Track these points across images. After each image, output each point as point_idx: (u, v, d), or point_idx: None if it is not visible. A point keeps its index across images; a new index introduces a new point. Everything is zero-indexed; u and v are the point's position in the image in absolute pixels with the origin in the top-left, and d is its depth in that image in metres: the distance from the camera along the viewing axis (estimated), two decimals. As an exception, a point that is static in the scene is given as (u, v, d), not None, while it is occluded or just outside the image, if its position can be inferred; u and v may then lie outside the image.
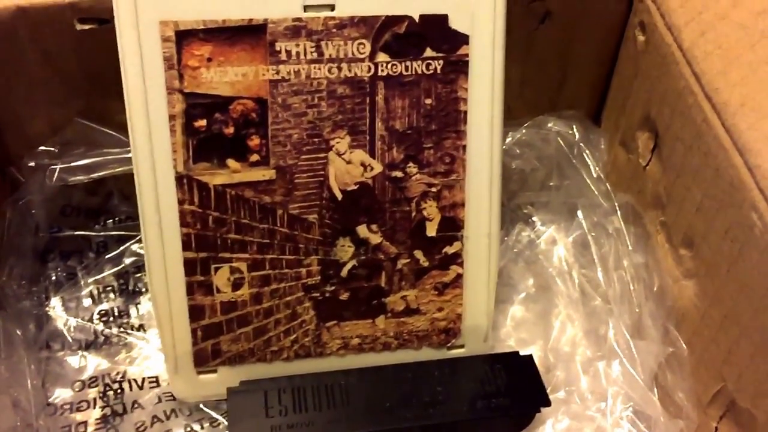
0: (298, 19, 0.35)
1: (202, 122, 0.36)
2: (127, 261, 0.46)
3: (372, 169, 0.38)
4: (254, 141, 0.36)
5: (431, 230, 0.39)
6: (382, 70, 0.37)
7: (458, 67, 0.37)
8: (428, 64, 0.37)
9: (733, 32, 0.36)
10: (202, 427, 0.41)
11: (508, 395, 0.38)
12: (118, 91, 0.35)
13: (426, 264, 0.40)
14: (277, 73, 0.36)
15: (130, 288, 0.46)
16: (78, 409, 0.41)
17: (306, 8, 0.35)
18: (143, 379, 0.42)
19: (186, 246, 0.37)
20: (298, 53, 0.36)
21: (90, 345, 0.44)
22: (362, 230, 0.39)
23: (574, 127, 0.47)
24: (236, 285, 0.38)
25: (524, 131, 0.47)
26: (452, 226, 0.39)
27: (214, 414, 0.41)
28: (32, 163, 0.42)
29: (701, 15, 0.37)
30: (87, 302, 0.45)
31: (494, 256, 0.40)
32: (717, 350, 0.36)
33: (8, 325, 0.40)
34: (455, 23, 0.36)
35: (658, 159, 0.41)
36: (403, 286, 0.40)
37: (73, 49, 0.39)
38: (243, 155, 0.36)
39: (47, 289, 0.45)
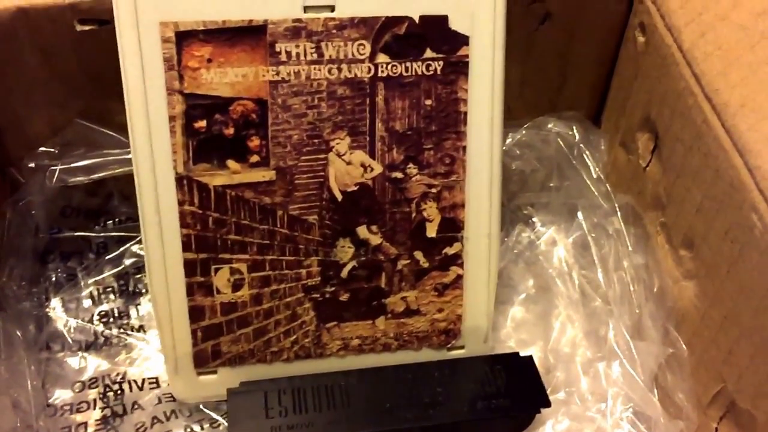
0: (298, 20, 0.35)
1: (202, 123, 0.36)
2: (127, 262, 0.46)
3: (372, 170, 0.38)
4: (254, 142, 0.36)
5: (431, 231, 0.39)
6: (382, 71, 0.37)
7: (458, 68, 0.37)
8: (428, 65, 0.37)
9: (733, 33, 0.36)
10: (202, 428, 0.41)
11: (508, 396, 0.38)
12: (118, 92, 0.35)
13: (426, 265, 0.40)
14: (277, 74, 0.36)
15: (130, 289, 0.46)
16: (78, 410, 0.41)
17: (306, 9, 0.35)
18: (143, 380, 0.42)
19: (186, 247, 0.37)
20: (298, 54, 0.36)
21: (90, 346, 0.44)
22: (362, 231, 0.39)
23: (574, 128, 0.47)
24: (236, 286, 0.38)
25: (524, 132, 0.47)
26: (452, 227, 0.39)
27: (214, 415, 0.41)
28: (32, 164, 0.42)
29: (701, 16, 0.37)
30: (87, 303, 0.45)
31: (494, 257, 0.40)
32: (717, 351, 0.36)
33: (8, 326, 0.40)
34: (455, 24, 0.36)
35: (658, 160, 0.41)
36: (403, 287, 0.40)
37: (74, 49, 0.39)
38: (243, 156, 0.37)
39: (47, 290, 0.45)
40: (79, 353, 0.43)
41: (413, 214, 0.39)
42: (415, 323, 0.41)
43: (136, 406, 0.41)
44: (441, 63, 0.37)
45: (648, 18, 0.40)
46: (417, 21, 0.36)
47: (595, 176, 0.46)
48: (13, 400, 0.38)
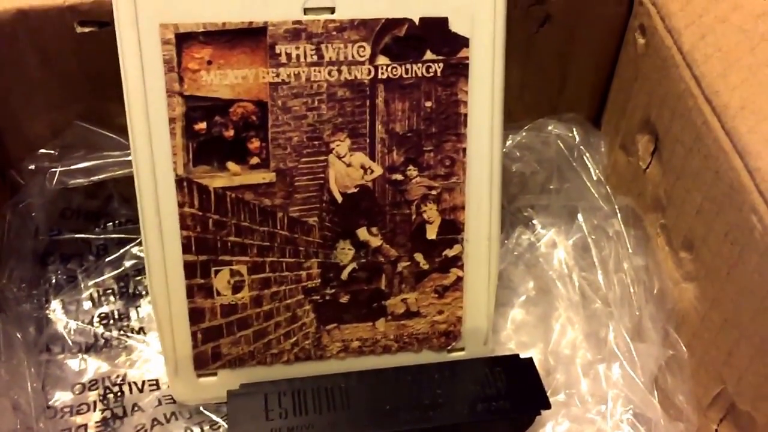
0: (298, 22, 0.35)
1: (202, 125, 0.36)
2: (127, 264, 0.46)
3: (372, 171, 0.38)
4: (254, 144, 0.36)
5: (431, 233, 0.39)
6: (382, 73, 0.37)
7: (458, 70, 0.37)
8: (428, 67, 0.37)
9: (733, 35, 0.36)
10: (202, 430, 0.41)
11: (509, 398, 0.38)
12: (118, 93, 0.35)
13: (426, 267, 0.40)
14: (277, 75, 0.36)
15: (130, 291, 0.46)
16: (78, 412, 0.41)
17: (306, 11, 0.35)
18: (143, 382, 0.42)
19: (186, 249, 0.37)
20: (298, 56, 0.36)
21: (90, 348, 0.44)
22: (362, 233, 0.39)
23: (575, 130, 0.47)
24: (236, 288, 0.38)
25: (524, 134, 0.47)
26: (452, 229, 0.39)
27: (214, 417, 0.41)
28: (32, 166, 0.42)
29: (701, 18, 0.37)
30: (87, 305, 0.45)
31: (494, 259, 0.40)
32: (717, 353, 0.36)
33: (8, 328, 0.40)
34: (455, 26, 0.36)
35: (658, 162, 0.41)
36: (403, 289, 0.40)
37: (73, 51, 0.39)
38: (243, 158, 0.37)
39: (47, 292, 0.45)
40: (79, 355, 0.43)
41: (413, 216, 0.39)
42: (415, 325, 0.41)
43: (136, 408, 0.41)
44: (441, 65, 0.37)
45: (648, 20, 0.40)
46: (417, 23, 0.36)
47: (595, 178, 0.46)
48: (13, 402, 0.38)
